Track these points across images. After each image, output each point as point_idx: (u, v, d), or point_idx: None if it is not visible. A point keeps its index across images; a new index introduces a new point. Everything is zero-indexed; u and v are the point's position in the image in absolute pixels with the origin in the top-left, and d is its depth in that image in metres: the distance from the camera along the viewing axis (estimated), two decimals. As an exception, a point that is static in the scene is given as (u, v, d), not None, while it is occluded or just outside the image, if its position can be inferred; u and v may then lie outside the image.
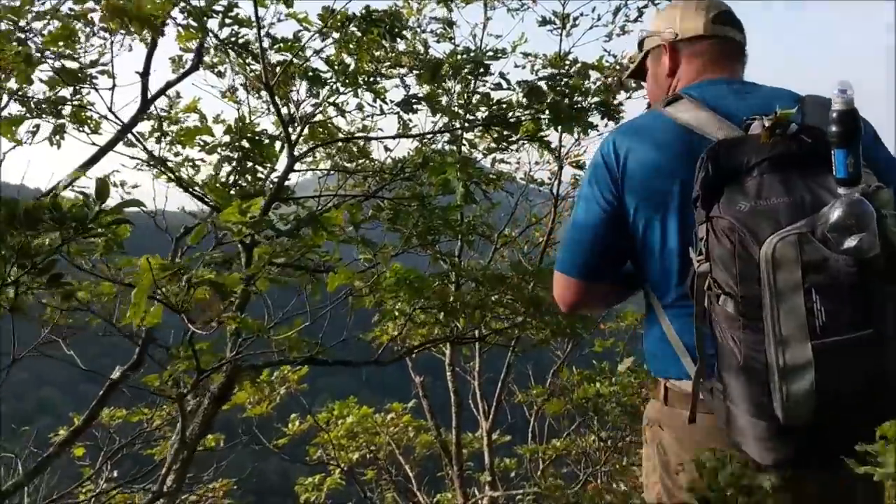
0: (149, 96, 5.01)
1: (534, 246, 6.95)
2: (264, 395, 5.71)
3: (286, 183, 4.11)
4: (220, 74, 5.16)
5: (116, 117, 3.61)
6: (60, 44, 3.12)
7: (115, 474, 5.92)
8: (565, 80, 3.82)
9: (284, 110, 4.55)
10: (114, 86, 3.40)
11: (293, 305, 3.70)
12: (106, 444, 5.59)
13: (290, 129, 4.32)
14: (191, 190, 3.87)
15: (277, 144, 4.34)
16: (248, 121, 4.43)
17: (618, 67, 6.13)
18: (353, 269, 3.95)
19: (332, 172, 5.31)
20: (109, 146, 4.72)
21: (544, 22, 6.40)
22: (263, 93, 4.51)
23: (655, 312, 1.94)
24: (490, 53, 4.32)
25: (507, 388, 6.80)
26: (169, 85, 5.15)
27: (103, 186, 1.98)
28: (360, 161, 5.69)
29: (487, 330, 4.70)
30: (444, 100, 4.81)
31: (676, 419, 1.88)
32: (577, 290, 2.03)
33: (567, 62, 4.72)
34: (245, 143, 4.18)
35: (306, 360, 3.77)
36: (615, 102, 3.87)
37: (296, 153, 4.12)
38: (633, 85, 5.58)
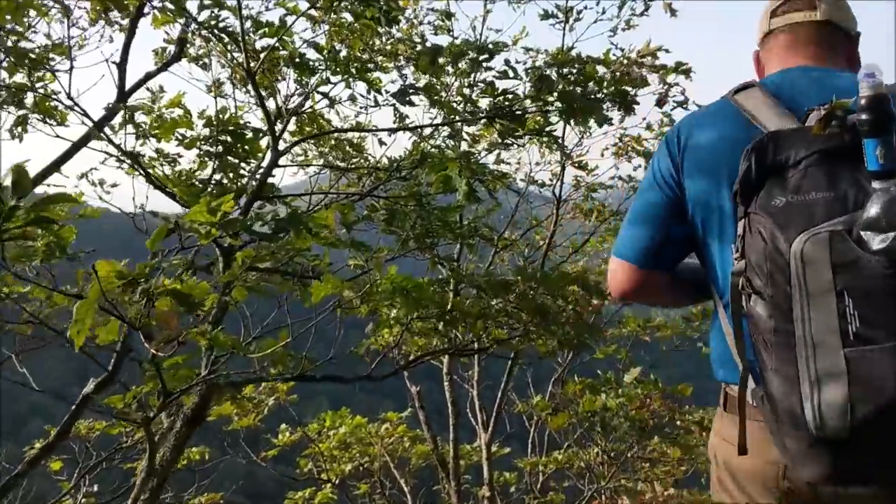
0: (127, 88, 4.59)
1: (535, 249, 6.49)
2: (251, 407, 5.23)
3: (271, 179, 3.62)
4: (206, 67, 4.70)
5: (79, 107, 3.11)
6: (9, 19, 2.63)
7: (96, 488, 5.51)
8: (577, 66, 3.33)
9: (272, 104, 4.11)
10: (71, 68, 2.92)
11: (276, 316, 3.22)
12: (83, 458, 5.17)
13: (277, 122, 3.85)
14: (164, 188, 3.39)
15: (264, 141, 3.88)
16: (232, 114, 3.95)
17: (625, 62, 5.70)
18: (344, 275, 3.50)
19: (323, 171, 4.83)
20: (83, 142, 4.25)
21: (546, 16, 5.94)
22: (250, 86, 4.04)
23: (717, 312, 1.78)
24: (490, 46, 3.86)
25: (506, 396, 6.34)
26: (149, 76, 4.68)
27: (20, 176, 1.50)
28: (354, 159, 5.23)
29: (489, 339, 4.22)
30: (443, 95, 4.37)
31: (735, 427, 1.69)
32: (633, 276, 1.87)
33: (570, 57, 4.25)
34: (227, 137, 3.70)
35: (291, 377, 3.29)
36: (632, 93, 3.38)
37: (282, 148, 3.63)
38: (639, 80, 5.15)
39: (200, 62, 4.68)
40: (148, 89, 4.27)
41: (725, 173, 1.65)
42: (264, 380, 3.26)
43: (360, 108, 3.99)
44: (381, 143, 4.39)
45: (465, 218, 4.78)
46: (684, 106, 5.57)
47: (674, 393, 5.67)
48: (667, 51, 5.47)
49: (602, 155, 6.41)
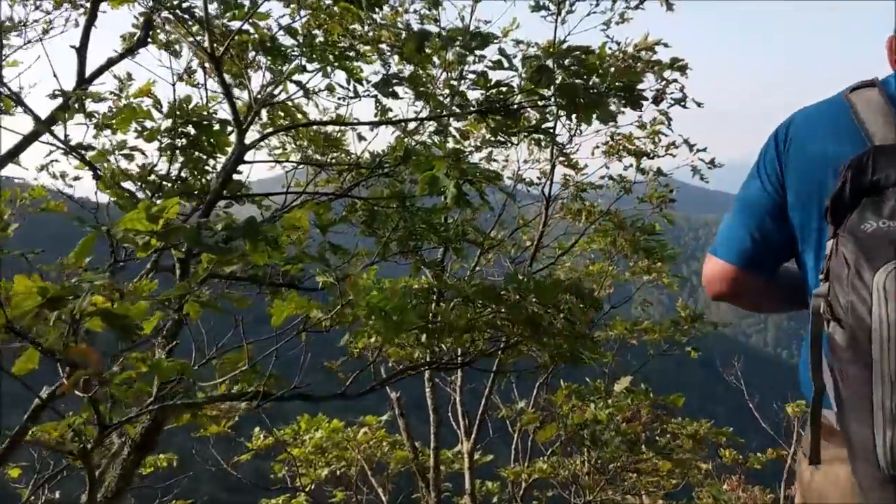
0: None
1: (522, 250, 6.04)
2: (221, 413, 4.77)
3: (239, 176, 3.16)
4: (176, 53, 4.23)
5: (15, 95, 2.63)
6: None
7: (58, 495, 5.09)
8: (578, 56, 2.89)
9: (245, 94, 3.66)
10: (1, 47, 2.44)
11: (235, 333, 2.76)
12: (40, 466, 4.73)
13: (250, 113, 3.39)
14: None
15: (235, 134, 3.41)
16: (198, 103, 3.48)
17: (620, 55, 5.27)
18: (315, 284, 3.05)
19: (299, 167, 4.36)
20: (35, 134, 3.79)
21: (538, 7, 5.51)
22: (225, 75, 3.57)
23: (810, 327, 1.59)
24: (482, 33, 3.41)
25: (490, 401, 5.92)
26: (111, 62, 4.21)
27: None
28: (334, 154, 4.77)
29: (474, 351, 3.78)
30: (429, 86, 3.93)
31: (829, 463, 1.57)
32: (733, 277, 1.70)
33: (570, 48, 3.81)
34: (191, 129, 3.23)
35: (256, 395, 2.85)
36: (639, 87, 2.96)
37: (250, 141, 3.18)
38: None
39: (171, 48, 4.22)
40: (115, 76, 3.82)
41: (826, 181, 1.49)
42: (228, 398, 2.83)
43: (339, 98, 3.53)
44: (361, 137, 3.94)
45: (451, 218, 4.35)
46: (682, 103, 5.17)
47: (665, 403, 5.27)
48: (666, 45, 5.06)
49: (592, 154, 6.00)
